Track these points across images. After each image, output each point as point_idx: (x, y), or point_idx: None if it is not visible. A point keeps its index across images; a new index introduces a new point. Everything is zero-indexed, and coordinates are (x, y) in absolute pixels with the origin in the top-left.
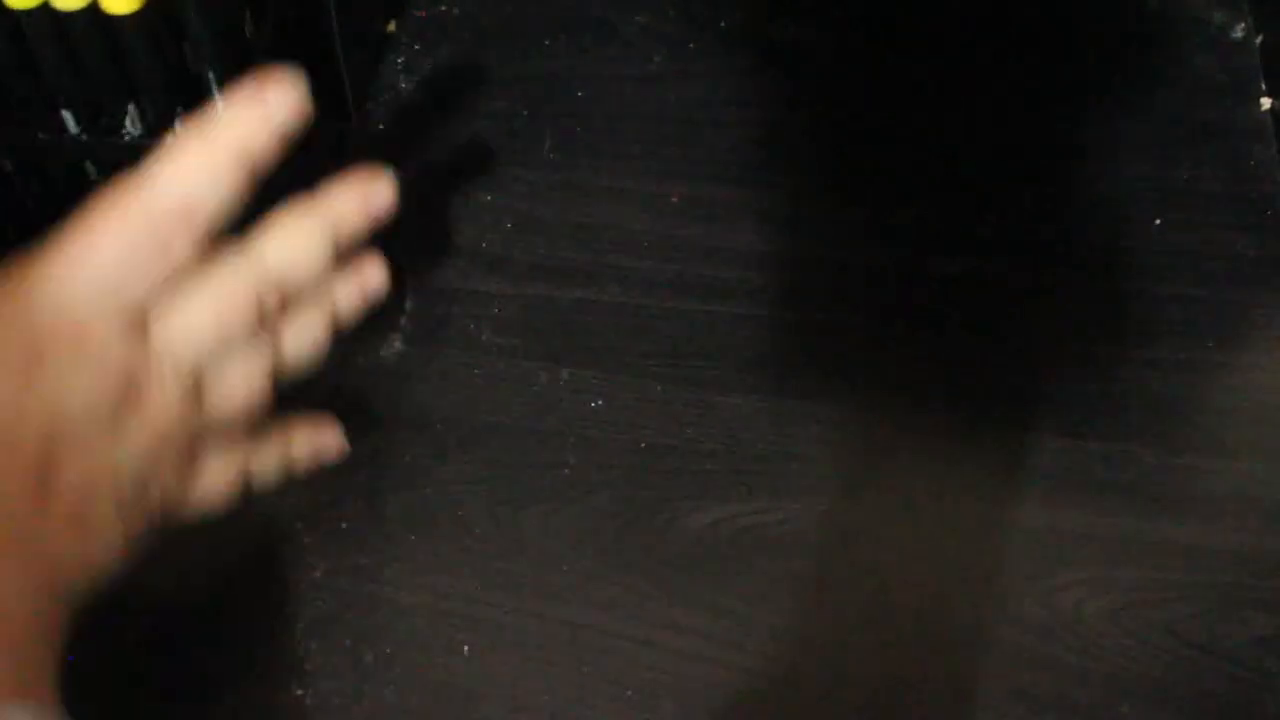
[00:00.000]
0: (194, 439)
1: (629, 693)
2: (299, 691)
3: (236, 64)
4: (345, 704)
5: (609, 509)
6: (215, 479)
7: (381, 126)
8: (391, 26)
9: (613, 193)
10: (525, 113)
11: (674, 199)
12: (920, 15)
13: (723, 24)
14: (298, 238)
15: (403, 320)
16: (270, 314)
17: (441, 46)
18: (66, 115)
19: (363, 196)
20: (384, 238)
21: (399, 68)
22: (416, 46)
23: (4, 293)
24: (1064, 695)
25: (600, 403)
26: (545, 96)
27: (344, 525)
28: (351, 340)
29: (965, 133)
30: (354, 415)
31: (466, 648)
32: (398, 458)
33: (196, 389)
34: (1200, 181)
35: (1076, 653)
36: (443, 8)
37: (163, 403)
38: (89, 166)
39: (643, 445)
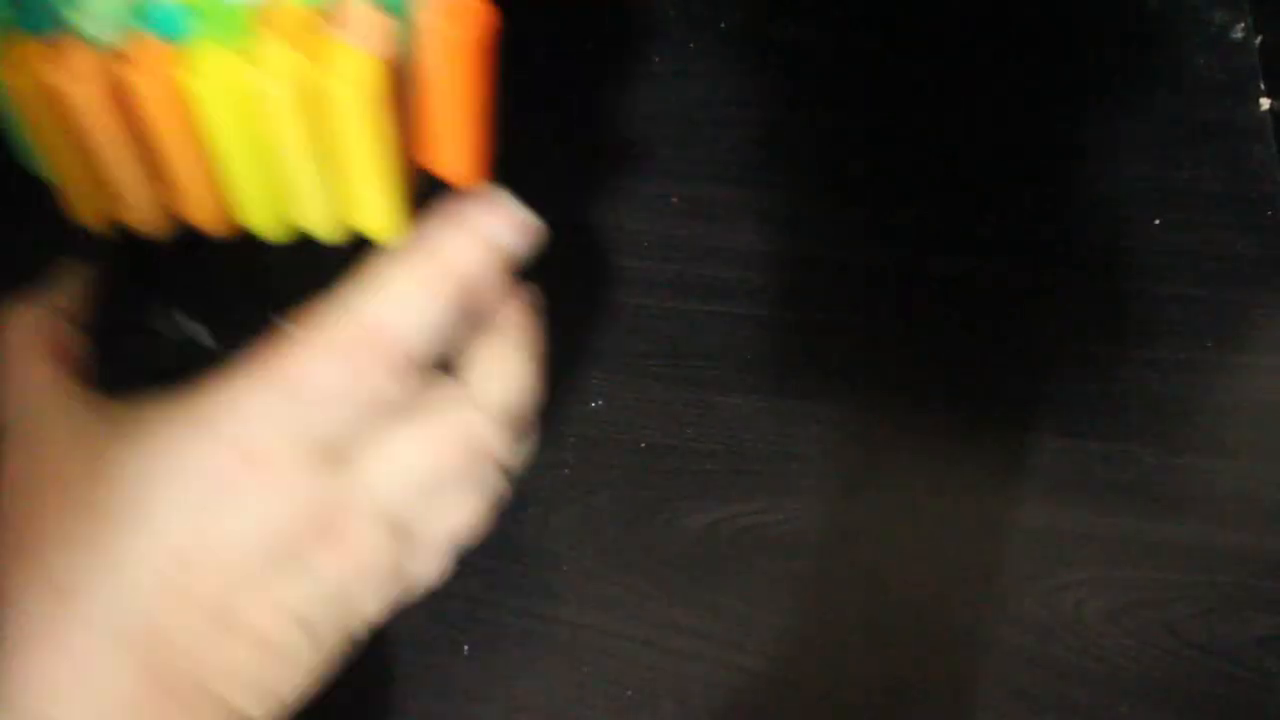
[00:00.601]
0: (400, 568)
1: (629, 693)
2: None
3: None
4: (346, 704)
5: (609, 509)
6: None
7: None
8: None
9: (613, 193)
10: (526, 114)
11: (674, 199)
12: (920, 15)
13: (723, 24)
14: (506, 366)
15: None
16: (485, 448)
17: None
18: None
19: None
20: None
21: None
22: None
23: (187, 420)
24: (1064, 695)
25: (600, 403)
26: (546, 97)
27: None
28: None
29: (965, 133)
30: None
31: (466, 648)
32: None
33: (404, 525)
34: (1200, 181)
35: (1076, 653)
36: None
37: (362, 540)
38: None
39: (643, 445)
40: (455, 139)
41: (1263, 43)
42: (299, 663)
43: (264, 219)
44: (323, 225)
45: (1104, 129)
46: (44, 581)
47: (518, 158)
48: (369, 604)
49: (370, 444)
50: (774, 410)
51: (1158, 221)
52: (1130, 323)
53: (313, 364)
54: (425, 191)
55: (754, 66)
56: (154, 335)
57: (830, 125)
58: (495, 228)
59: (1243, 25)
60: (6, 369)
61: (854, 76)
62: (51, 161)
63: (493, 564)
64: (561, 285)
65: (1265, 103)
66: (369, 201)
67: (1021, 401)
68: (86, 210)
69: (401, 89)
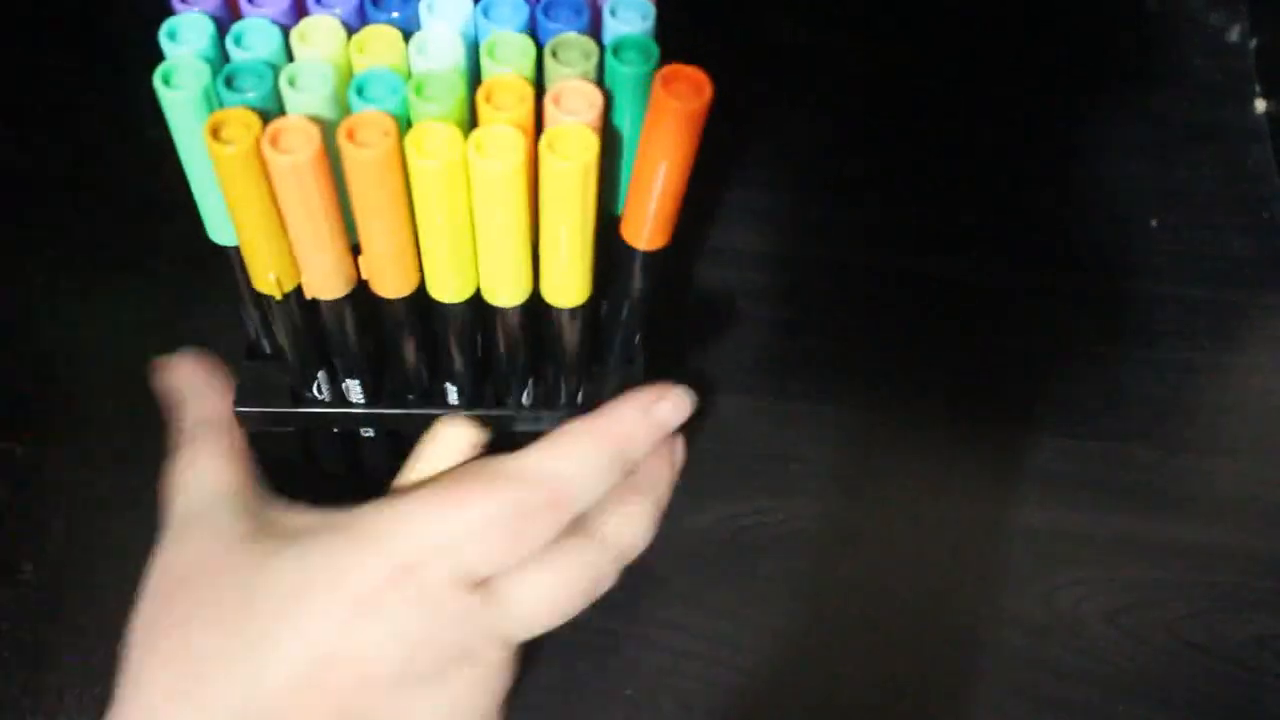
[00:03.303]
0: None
1: (629, 693)
2: None
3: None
4: None
5: None
6: None
7: None
8: None
9: None
10: None
11: None
12: (920, 15)
13: (723, 25)
14: (638, 519)
15: None
16: (606, 584)
17: None
18: (450, 389)
19: (672, 456)
20: None
21: None
22: None
23: (350, 531)
24: (1064, 695)
25: None
26: None
27: None
28: None
29: (965, 134)
30: None
31: None
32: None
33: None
34: (1197, 182)
35: (1076, 653)
36: None
37: (494, 665)
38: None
39: None
40: (658, 206)
41: (1259, 45)
42: None
43: (448, 291)
44: (508, 300)
45: (1102, 130)
46: (181, 660)
47: None
48: (490, 715)
49: (514, 578)
50: (774, 410)
51: (1155, 222)
52: (1129, 323)
53: (488, 500)
54: (609, 256)
55: (754, 67)
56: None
57: (830, 125)
58: (666, 411)
59: (1240, 28)
60: (186, 463)
61: (854, 77)
62: (245, 229)
63: None
64: None
65: (1261, 104)
66: (563, 273)
67: (1021, 401)
68: (265, 275)
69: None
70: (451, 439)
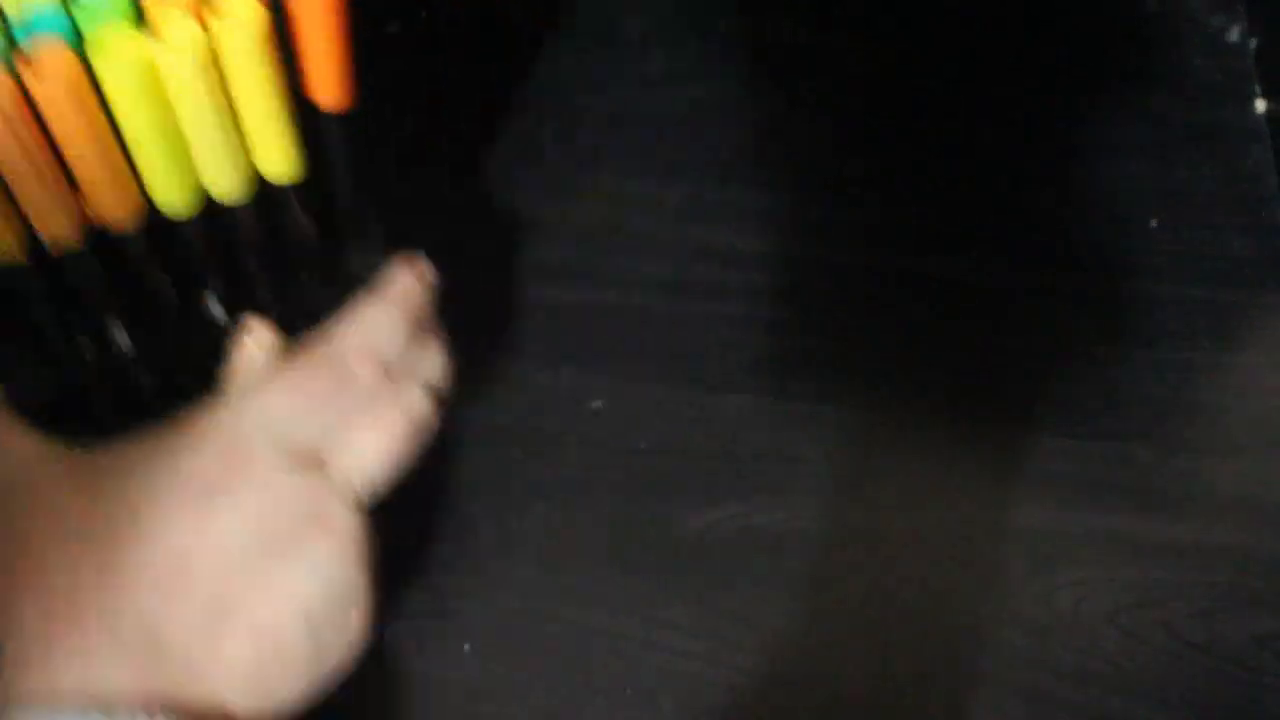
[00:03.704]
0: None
1: (629, 693)
2: None
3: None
4: (345, 703)
5: (609, 509)
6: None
7: (382, 128)
8: (394, 27)
9: (613, 194)
10: (526, 114)
11: (674, 199)
12: (920, 15)
13: (722, 26)
14: (427, 354)
15: None
16: (425, 415)
17: (443, 47)
18: (211, 300)
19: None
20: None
21: (401, 69)
22: (418, 48)
23: (171, 441)
24: (1064, 695)
25: (601, 403)
26: (546, 98)
27: None
28: None
29: (964, 134)
30: None
31: (466, 647)
32: None
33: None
34: (1197, 183)
35: (1075, 652)
36: (445, 9)
37: (344, 523)
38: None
39: (643, 446)
40: (327, 69)
41: (1259, 45)
42: (298, 658)
43: (173, 194)
44: (230, 186)
45: (1102, 131)
46: (50, 600)
47: (518, 159)
48: (357, 590)
49: (342, 440)
50: (774, 410)
51: (1155, 222)
52: (1128, 323)
53: (298, 376)
54: (309, 125)
55: (753, 68)
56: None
57: (830, 125)
58: (425, 270)
59: (1239, 28)
60: None
61: (854, 77)
62: None
63: (493, 564)
64: (562, 285)
65: (1261, 104)
66: (271, 144)
67: (1021, 401)
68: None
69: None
70: (254, 344)
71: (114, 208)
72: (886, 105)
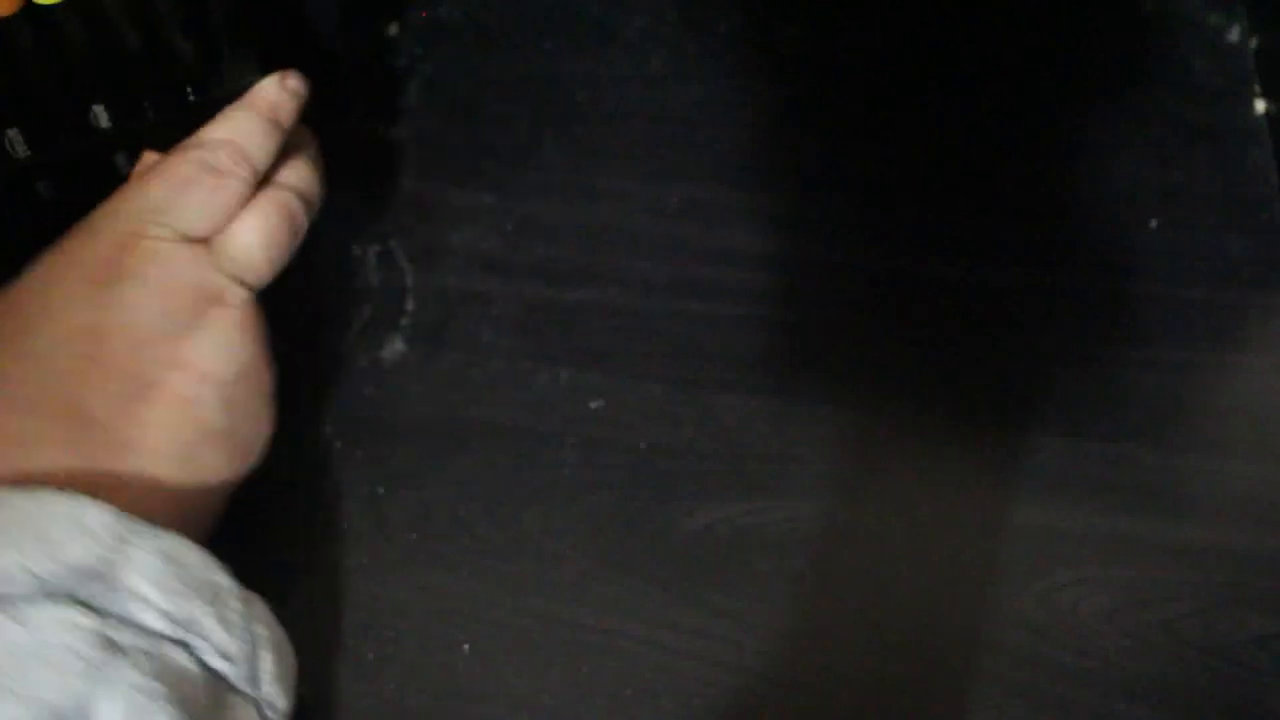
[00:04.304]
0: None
1: (629, 693)
2: (299, 690)
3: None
4: (345, 703)
5: (609, 509)
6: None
7: (383, 127)
8: (393, 28)
9: (613, 194)
10: (526, 114)
11: (674, 199)
12: (919, 16)
13: (722, 26)
14: (300, 162)
15: (403, 320)
16: (297, 212)
17: (443, 48)
18: (98, 110)
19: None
20: (385, 238)
21: (400, 69)
22: (418, 48)
23: (79, 227)
24: (1062, 695)
25: (600, 403)
26: (546, 98)
27: (344, 525)
28: (352, 340)
29: (964, 134)
30: (353, 415)
31: (466, 647)
32: (397, 458)
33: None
34: (1196, 183)
35: (1074, 652)
36: (444, 10)
37: (240, 307)
38: (119, 159)
39: (642, 446)
40: None
41: (1258, 45)
42: (216, 430)
43: None
44: None
45: (1100, 131)
46: None
47: (518, 159)
48: (258, 367)
49: (226, 229)
50: (774, 410)
51: (1154, 223)
52: (1128, 323)
53: (182, 166)
54: None
55: (753, 68)
56: None
57: (830, 125)
58: (295, 81)
59: (1239, 28)
60: None
61: (854, 77)
62: None
63: (493, 563)
64: (562, 285)
65: (1261, 105)
66: None
67: (1021, 401)
68: None
69: None
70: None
71: None
72: (886, 105)
